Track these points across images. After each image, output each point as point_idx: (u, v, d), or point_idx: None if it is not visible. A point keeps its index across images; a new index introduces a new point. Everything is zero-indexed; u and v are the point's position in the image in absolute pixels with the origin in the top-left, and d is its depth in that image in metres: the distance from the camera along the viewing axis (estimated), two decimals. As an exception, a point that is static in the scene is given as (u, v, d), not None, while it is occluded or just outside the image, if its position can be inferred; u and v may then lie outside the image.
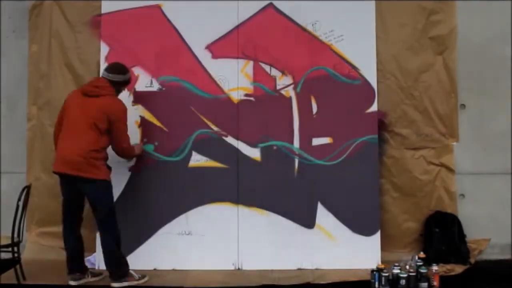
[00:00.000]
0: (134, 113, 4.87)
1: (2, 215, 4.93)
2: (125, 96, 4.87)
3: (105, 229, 4.26)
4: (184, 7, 4.97)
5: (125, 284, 4.28)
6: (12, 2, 5.22)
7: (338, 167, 4.83)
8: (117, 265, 4.30)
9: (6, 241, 4.26)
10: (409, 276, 4.21)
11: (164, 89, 4.92)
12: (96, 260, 4.75)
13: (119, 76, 4.36)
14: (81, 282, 4.31)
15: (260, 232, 4.76)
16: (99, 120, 4.16)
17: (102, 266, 4.71)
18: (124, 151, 4.40)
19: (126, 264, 4.36)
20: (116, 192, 4.79)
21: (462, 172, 5.15)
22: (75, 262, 4.33)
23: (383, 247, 4.82)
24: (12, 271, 4.30)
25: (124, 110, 4.31)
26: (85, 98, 4.24)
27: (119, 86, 4.40)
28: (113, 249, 4.26)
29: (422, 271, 4.24)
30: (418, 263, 4.33)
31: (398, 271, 4.23)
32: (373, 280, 4.24)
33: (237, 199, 4.81)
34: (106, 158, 4.30)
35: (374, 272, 4.25)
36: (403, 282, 4.18)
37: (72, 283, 4.26)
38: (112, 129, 4.22)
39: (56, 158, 4.27)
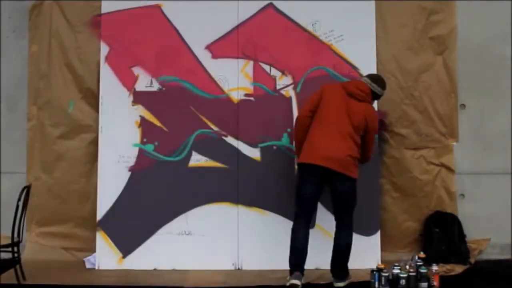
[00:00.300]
0: (134, 113, 4.87)
1: (2, 215, 4.92)
2: (125, 96, 4.90)
3: (349, 226, 4.26)
4: (184, 7, 4.96)
5: (347, 282, 4.29)
6: (12, 2, 5.22)
7: (338, 167, 4.83)
8: (345, 263, 4.29)
9: (6, 241, 4.24)
10: (409, 276, 4.20)
11: (164, 89, 4.92)
12: (96, 260, 4.75)
13: (381, 90, 4.41)
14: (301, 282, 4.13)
15: (260, 232, 4.75)
16: (361, 125, 4.23)
17: (102, 266, 4.73)
18: (369, 159, 4.47)
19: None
20: (116, 192, 4.80)
21: (462, 172, 5.15)
22: (302, 261, 4.18)
23: (383, 247, 4.82)
24: (12, 271, 4.28)
25: (378, 121, 4.45)
26: (350, 99, 4.26)
27: (374, 97, 4.43)
28: (350, 246, 4.25)
29: (422, 271, 4.23)
30: (418, 263, 4.32)
31: (398, 271, 4.23)
32: (373, 280, 4.23)
33: (237, 199, 4.81)
34: None
35: (374, 272, 4.24)
36: (403, 282, 4.17)
37: (296, 282, 4.06)
38: (365, 137, 4.30)
39: (311, 150, 4.19)
